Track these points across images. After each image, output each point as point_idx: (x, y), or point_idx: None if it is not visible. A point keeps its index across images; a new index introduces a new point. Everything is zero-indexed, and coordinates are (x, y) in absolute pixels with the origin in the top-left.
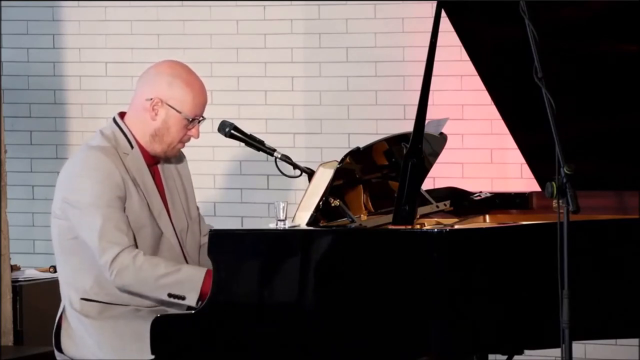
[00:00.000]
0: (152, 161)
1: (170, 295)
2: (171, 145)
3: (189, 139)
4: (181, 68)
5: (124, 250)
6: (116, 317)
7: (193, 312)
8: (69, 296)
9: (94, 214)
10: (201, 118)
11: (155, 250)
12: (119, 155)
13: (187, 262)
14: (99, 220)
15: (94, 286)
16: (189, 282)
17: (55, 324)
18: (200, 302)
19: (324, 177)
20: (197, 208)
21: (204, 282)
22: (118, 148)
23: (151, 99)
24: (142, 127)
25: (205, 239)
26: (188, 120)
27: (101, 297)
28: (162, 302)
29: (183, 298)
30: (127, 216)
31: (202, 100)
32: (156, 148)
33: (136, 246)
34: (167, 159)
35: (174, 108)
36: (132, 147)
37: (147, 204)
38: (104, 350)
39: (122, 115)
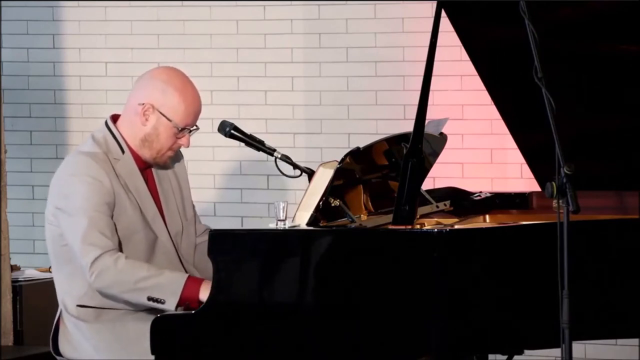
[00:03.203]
0: (145, 164)
1: (149, 298)
2: (160, 152)
3: (179, 147)
4: (176, 76)
5: (105, 253)
6: (113, 320)
7: (193, 312)
8: (64, 302)
9: (80, 217)
10: (193, 128)
11: (150, 255)
12: (110, 161)
13: (182, 265)
14: (84, 223)
15: (89, 291)
16: (169, 287)
17: (53, 327)
18: (179, 308)
19: (324, 177)
20: (193, 207)
21: (184, 288)
22: (109, 153)
23: (143, 104)
24: (132, 131)
25: (200, 239)
26: (178, 129)
27: (96, 303)
28: (143, 307)
29: (162, 302)
30: (117, 222)
31: (194, 110)
32: (145, 153)
33: (121, 250)
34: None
35: (164, 115)
36: (123, 152)
37: (140, 209)
38: (101, 353)
39: (114, 118)
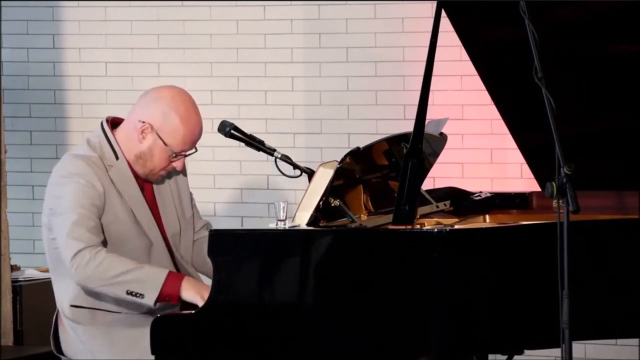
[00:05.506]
0: None
1: (128, 292)
2: (152, 171)
3: (172, 169)
4: (182, 101)
5: (86, 247)
6: (108, 324)
7: (193, 312)
8: (61, 304)
9: (68, 214)
10: (189, 152)
11: (144, 262)
12: (104, 166)
13: (178, 269)
14: (71, 219)
15: (81, 292)
16: (149, 281)
17: (52, 327)
18: (158, 304)
19: (324, 177)
20: (192, 200)
21: (165, 284)
22: (103, 158)
23: (143, 122)
24: (129, 145)
25: (198, 235)
26: (173, 153)
27: (90, 304)
28: (135, 308)
29: (142, 296)
30: (110, 229)
31: (193, 138)
32: (138, 169)
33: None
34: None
35: (161, 139)
36: (117, 158)
37: (134, 215)
38: (97, 355)
39: (111, 120)
